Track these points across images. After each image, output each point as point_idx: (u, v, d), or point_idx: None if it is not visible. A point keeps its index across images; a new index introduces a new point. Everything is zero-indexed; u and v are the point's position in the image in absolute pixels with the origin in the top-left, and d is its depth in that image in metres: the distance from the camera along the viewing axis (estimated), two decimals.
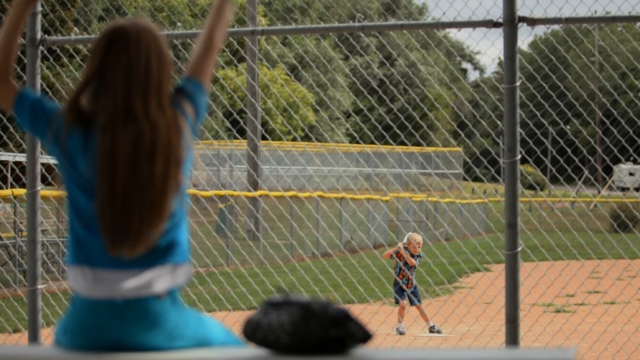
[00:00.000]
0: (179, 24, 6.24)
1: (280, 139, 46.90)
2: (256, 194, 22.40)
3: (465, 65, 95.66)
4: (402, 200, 33.06)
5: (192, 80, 3.18)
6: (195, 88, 3.16)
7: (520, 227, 5.30)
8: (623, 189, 59.41)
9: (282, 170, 44.46)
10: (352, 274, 15.45)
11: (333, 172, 48.87)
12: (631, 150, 7.72)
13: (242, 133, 42.95)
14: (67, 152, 3.01)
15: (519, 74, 5.34)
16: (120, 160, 2.93)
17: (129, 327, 2.94)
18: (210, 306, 12.01)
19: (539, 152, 7.95)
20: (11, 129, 8.00)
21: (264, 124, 41.98)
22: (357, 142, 51.83)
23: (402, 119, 9.35)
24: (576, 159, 8.15)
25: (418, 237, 11.91)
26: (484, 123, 7.77)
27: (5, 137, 8.03)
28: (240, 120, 13.54)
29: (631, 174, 59.54)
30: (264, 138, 40.03)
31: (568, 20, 5.51)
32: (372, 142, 54.67)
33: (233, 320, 10.21)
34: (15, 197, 15.12)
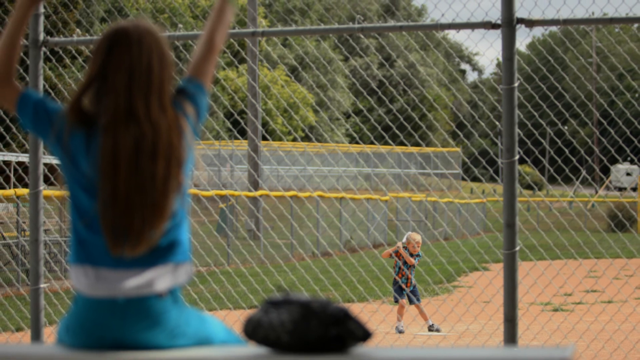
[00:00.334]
0: (180, 25, 6.27)
1: (280, 139, 46.87)
2: (257, 193, 22.42)
3: (464, 66, 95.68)
4: (402, 200, 33.07)
5: (193, 81, 3.19)
6: (197, 89, 3.17)
7: (519, 226, 5.33)
8: (620, 189, 59.40)
9: (282, 171, 44.42)
10: (351, 273, 15.47)
11: (333, 172, 48.83)
12: (628, 151, 7.73)
13: (242, 133, 42.94)
14: (69, 153, 3.01)
15: (517, 75, 5.37)
16: (122, 161, 2.94)
17: (130, 326, 2.95)
18: (211, 305, 12.03)
19: (537, 153, 7.98)
20: (14, 130, 8.03)
21: (265, 124, 41.96)
22: (357, 143, 51.79)
23: (401, 119, 9.40)
24: (574, 159, 8.18)
25: (417, 237, 11.93)
26: (482, 123, 7.83)
27: (8, 138, 8.06)
28: (241, 120, 13.58)
29: (628, 174, 59.51)
30: (264, 138, 39.99)
31: (566, 21, 5.53)
32: (372, 143, 54.63)
33: (234, 319, 10.23)
34: (18, 197, 15.17)
